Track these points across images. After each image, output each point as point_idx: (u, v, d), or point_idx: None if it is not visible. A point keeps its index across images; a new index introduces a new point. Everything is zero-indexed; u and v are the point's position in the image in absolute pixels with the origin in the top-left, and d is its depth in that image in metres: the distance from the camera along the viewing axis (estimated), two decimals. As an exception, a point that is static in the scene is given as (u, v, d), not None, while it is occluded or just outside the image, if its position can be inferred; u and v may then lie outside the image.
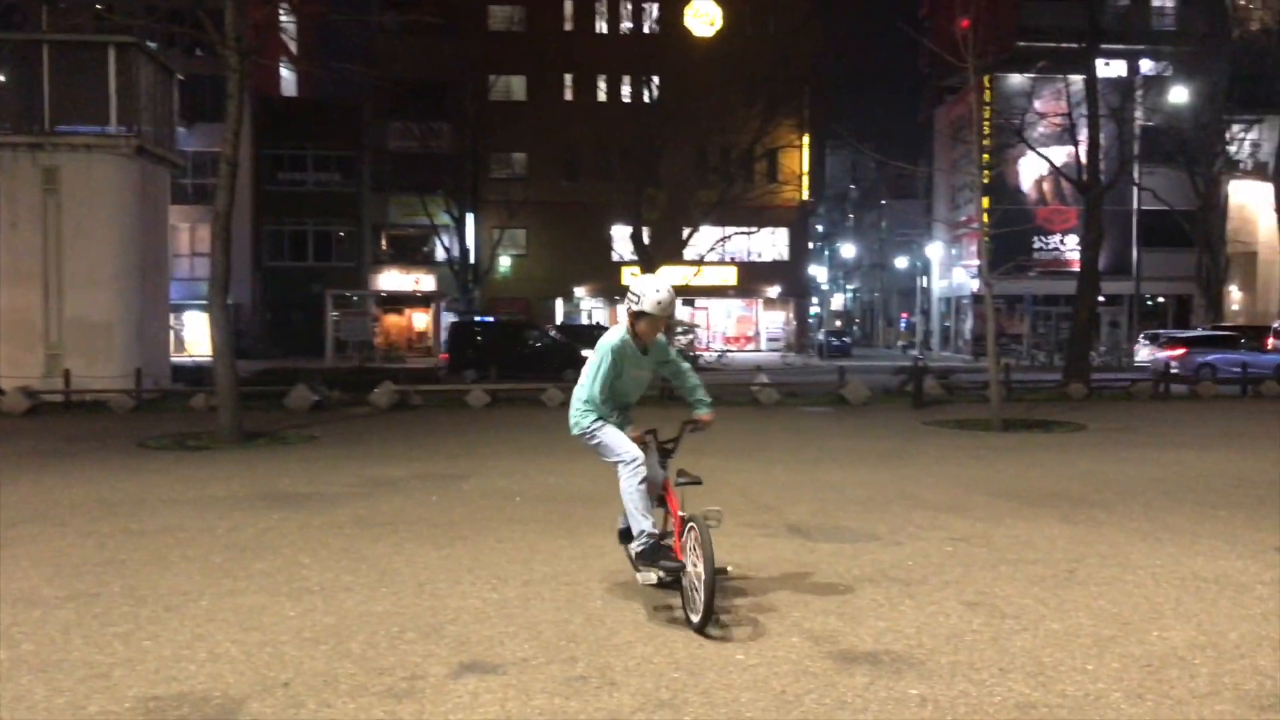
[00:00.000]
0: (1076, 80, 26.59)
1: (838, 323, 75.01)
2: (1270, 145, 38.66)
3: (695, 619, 5.15)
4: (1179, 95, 33.14)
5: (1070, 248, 40.62)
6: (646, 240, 34.34)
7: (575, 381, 5.77)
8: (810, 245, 58.94)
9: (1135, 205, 40.40)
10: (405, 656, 4.90)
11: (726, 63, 37.63)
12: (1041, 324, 43.23)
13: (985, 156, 32.93)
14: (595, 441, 5.61)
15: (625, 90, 43.49)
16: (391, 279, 45.34)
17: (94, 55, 20.17)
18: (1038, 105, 30.37)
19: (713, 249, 37.50)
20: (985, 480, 10.37)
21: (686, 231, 35.25)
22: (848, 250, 75.26)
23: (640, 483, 5.46)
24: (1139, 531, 7.74)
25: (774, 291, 48.45)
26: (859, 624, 5.38)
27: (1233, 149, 37.25)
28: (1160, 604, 5.77)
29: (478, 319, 34.89)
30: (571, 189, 44.80)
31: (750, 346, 48.42)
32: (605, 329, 5.77)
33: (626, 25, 44.58)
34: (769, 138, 37.08)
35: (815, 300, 69.99)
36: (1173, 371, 23.79)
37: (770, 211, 41.56)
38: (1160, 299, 43.29)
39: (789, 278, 48.53)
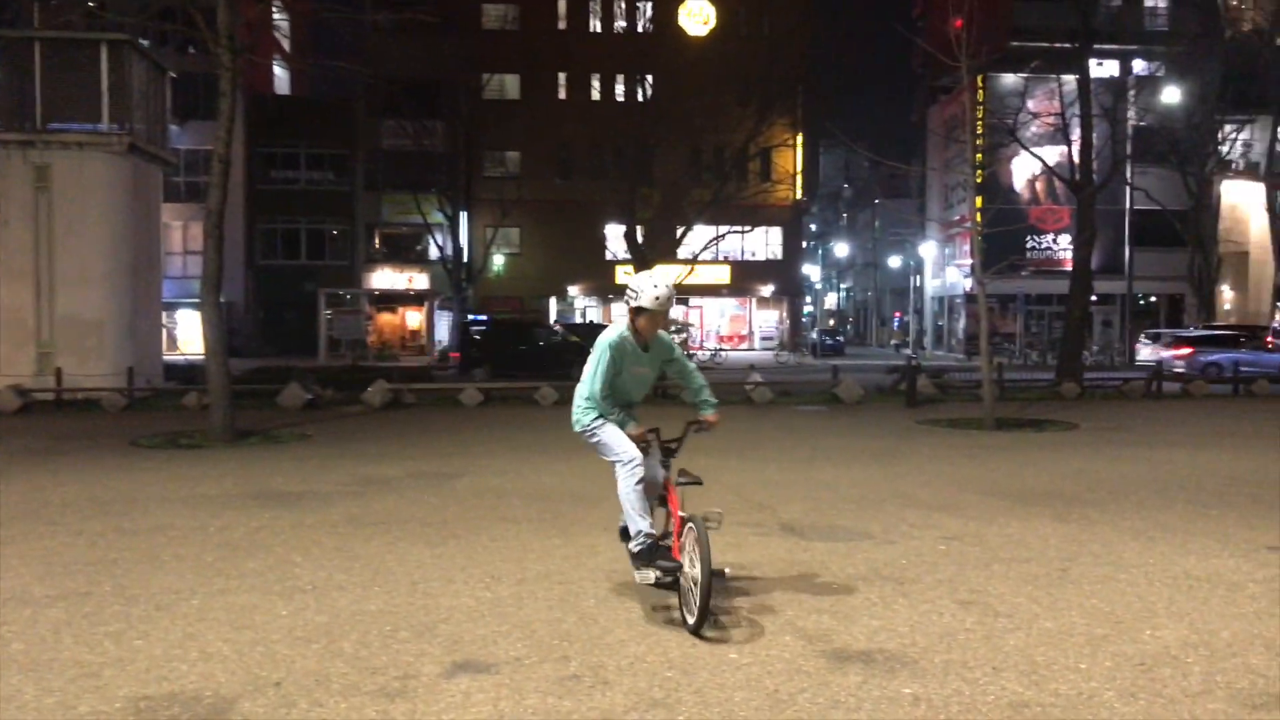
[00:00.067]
0: (1069, 80, 26.65)
1: (831, 322, 75.18)
2: (1262, 145, 38.76)
3: (691, 620, 5.14)
4: (1171, 95, 33.24)
5: (1063, 247, 40.70)
6: (640, 239, 34.34)
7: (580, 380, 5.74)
8: (804, 244, 58.96)
9: (1128, 205, 40.48)
10: (398, 656, 4.89)
11: (720, 62, 37.67)
12: (1034, 323, 43.32)
13: (978, 156, 33.14)
14: (595, 440, 5.59)
15: (619, 89, 43.50)
16: (385, 277, 45.28)
17: (86, 53, 20.09)
18: (1031, 105, 30.40)
19: (706, 248, 37.49)
20: (978, 479, 10.38)
21: (680, 230, 35.26)
22: (841, 249, 75.31)
23: (637, 483, 5.43)
24: (1132, 530, 7.75)
25: (767, 290, 48.51)
26: (852, 623, 5.38)
27: (1225, 149, 37.37)
28: (1153, 603, 5.78)
29: (488, 318, 34.86)
30: (565, 188, 44.79)
31: (744, 345, 48.46)
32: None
33: (620, 24, 44.57)
34: (763, 137, 37.07)
35: (809, 299, 70.08)
36: (1178, 371, 23.83)
37: (764, 210, 41.62)
38: (1152, 298, 43.39)
39: (782, 277, 48.58)
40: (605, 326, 6.06)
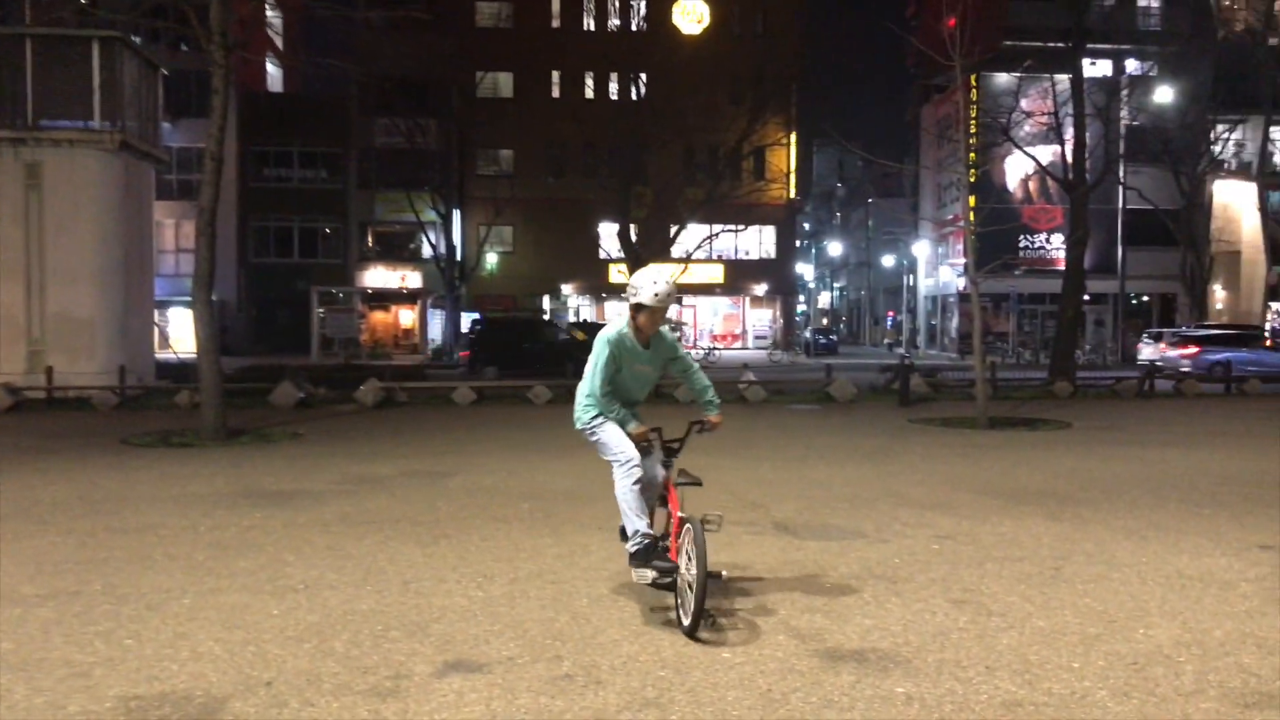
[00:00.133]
0: (1062, 79, 26.66)
1: (824, 321, 75.21)
2: (1254, 145, 38.84)
3: (686, 622, 5.11)
4: (1164, 95, 33.29)
5: (1056, 246, 40.75)
6: (634, 238, 34.31)
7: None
8: (797, 243, 58.99)
9: (1120, 204, 40.57)
10: (390, 655, 4.87)
11: (714, 60, 37.67)
12: (1027, 322, 43.36)
13: (972, 155, 33.12)
14: (595, 438, 5.56)
15: (613, 87, 43.40)
16: (378, 276, 45.18)
17: (78, 49, 20.01)
18: (1024, 104, 30.43)
19: (700, 247, 37.50)
20: (971, 478, 10.38)
21: (674, 229, 35.23)
22: (834, 248, 75.33)
23: (634, 484, 5.39)
24: (1124, 529, 7.76)
25: (761, 289, 48.52)
26: (845, 622, 5.37)
27: (1217, 149, 37.43)
28: (1146, 602, 5.78)
29: (497, 317, 34.82)
30: (558, 186, 44.74)
31: (737, 344, 48.48)
32: None
33: (614, 22, 44.50)
34: (756, 136, 37.05)
35: (802, 298, 70.08)
36: (1184, 370, 23.84)
37: (757, 209, 41.61)
38: (1145, 298, 43.48)
39: (776, 276, 48.59)
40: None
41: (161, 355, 25.16)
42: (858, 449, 12.86)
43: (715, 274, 46.89)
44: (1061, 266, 30.61)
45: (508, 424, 16.04)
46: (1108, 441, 13.59)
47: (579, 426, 5.61)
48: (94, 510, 8.60)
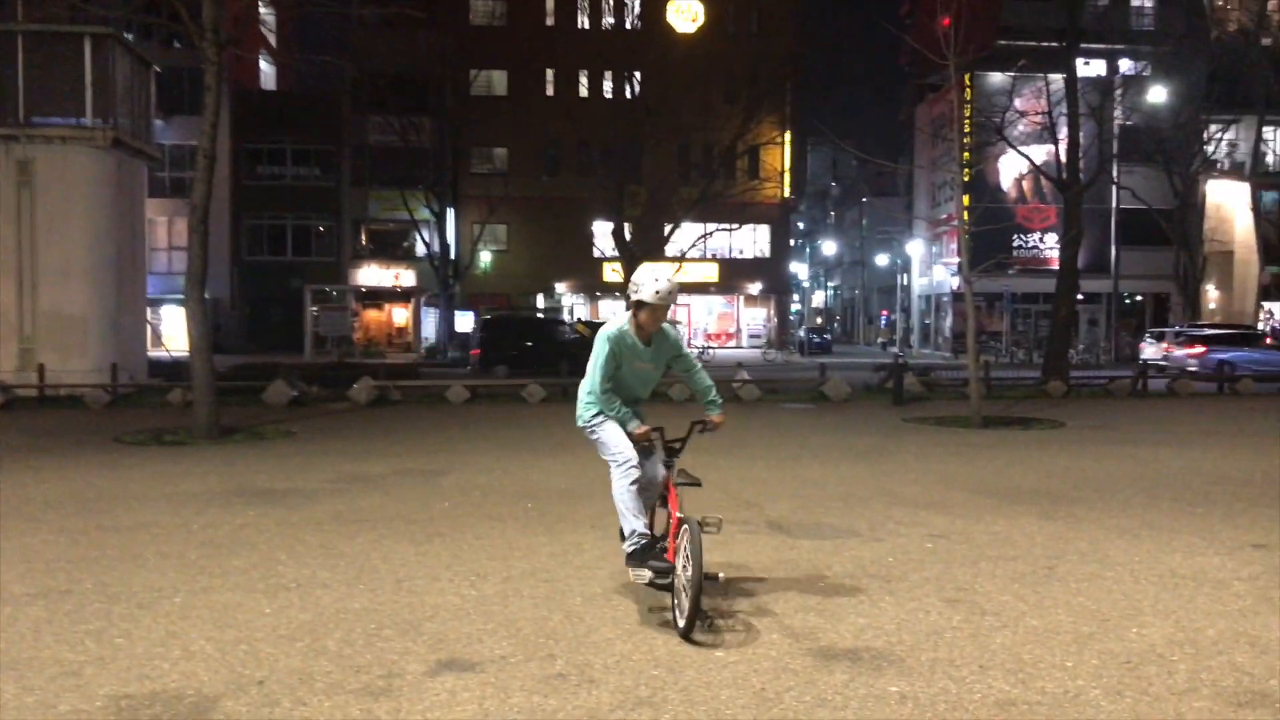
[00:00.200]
0: (1056, 79, 26.72)
1: (818, 320, 75.31)
2: (1247, 145, 38.96)
3: (680, 624, 5.07)
4: (1158, 95, 33.38)
5: (1049, 246, 40.84)
6: (628, 236, 34.33)
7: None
8: (791, 242, 59.05)
9: (1114, 204, 40.65)
10: (382, 654, 4.86)
11: (708, 59, 37.69)
12: (1021, 321, 43.45)
13: (966, 154, 33.21)
14: (595, 437, 5.53)
15: (607, 86, 43.42)
16: (371, 274, 45.13)
17: (69, 46, 19.94)
18: (1018, 103, 30.52)
19: (694, 245, 37.52)
20: (965, 477, 10.39)
21: (668, 228, 35.26)
22: (829, 247, 75.43)
23: (631, 484, 5.36)
24: (1118, 528, 7.77)
25: (755, 288, 48.54)
26: (839, 621, 5.37)
27: (1210, 149, 37.53)
28: (1139, 601, 5.78)
29: (507, 315, 34.81)
30: (553, 184, 44.72)
31: (731, 343, 48.49)
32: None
33: (608, 21, 44.49)
34: (750, 134, 37.11)
35: (796, 297, 70.20)
36: (1191, 369, 23.88)
37: (752, 208, 41.63)
38: (1138, 297, 43.59)
39: (770, 274, 48.62)
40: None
41: (154, 353, 25.10)
42: (851, 448, 12.87)
43: (710, 273, 46.91)
44: (1055, 266, 30.70)
45: (501, 422, 16.02)
46: (1101, 441, 13.61)
47: (580, 424, 5.59)
48: (86, 508, 8.56)
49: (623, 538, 5.58)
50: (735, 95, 37.69)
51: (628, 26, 43.17)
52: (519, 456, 11.92)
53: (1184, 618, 5.46)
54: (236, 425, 14.66)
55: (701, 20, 44.24)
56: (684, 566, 5.09)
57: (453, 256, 42.49)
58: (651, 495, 5.57)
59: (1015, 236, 41.03)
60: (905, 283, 53.07)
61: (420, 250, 42.89)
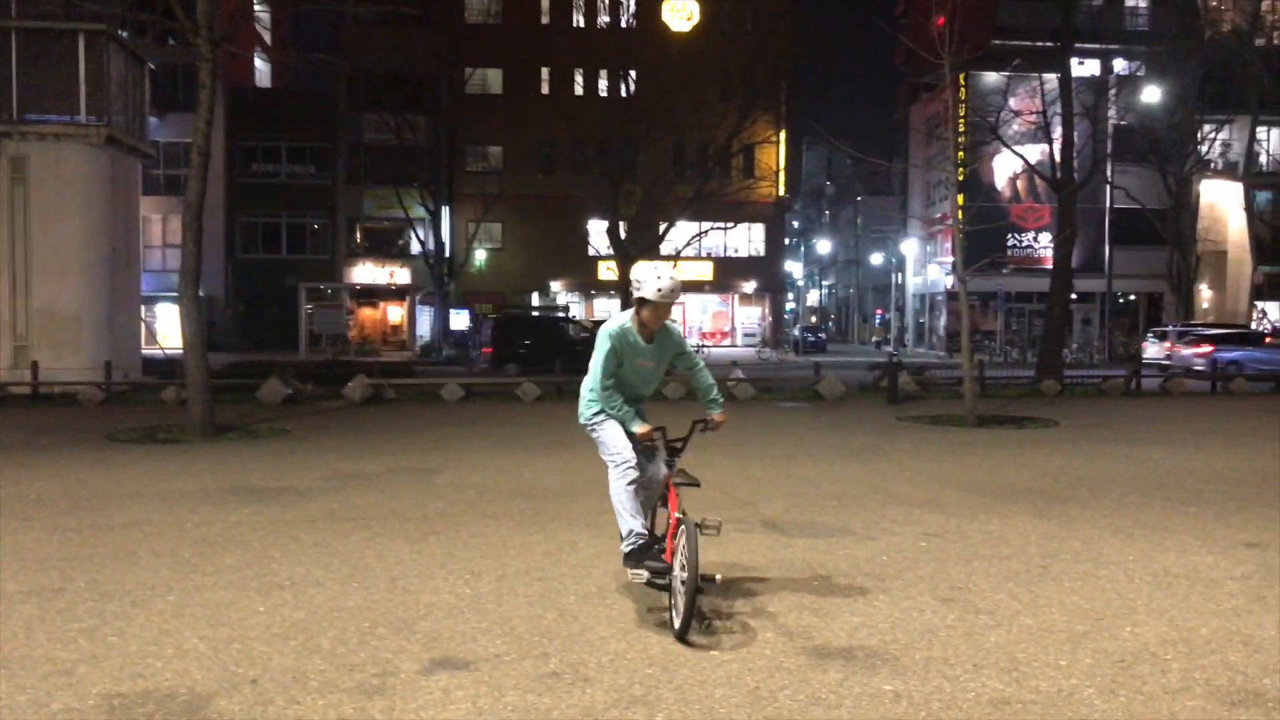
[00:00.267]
0: (1051, 79, 26.76)
1: (813, 319, 75.32)
2: (1240, 145, 39.08)
3: (676, 625, 5.05)
4: (1151, 95, 33.42)
5: (1044, 245, 40.89)
6: (623, 235, 34.30)
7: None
8: (786, 241, 59.04)
9: (1108, 203, 40.73)
10: (376, 652, 4.85)
11: (703, 58, 37.65)
12: (1015, 321, 43.51)
13: (960, 153, 33.22)
14: (595, 435, 5.52)
15: (602, 84, 43.38)
16: (366, 272, 45.06)
17: (63, 43, 19.89)
18: (1012, 103, 30.51)
19: (689, 244, 37.50)
20: (959, 476, 10.40)
21: (663, 226, 35.25)
22: (823, 246, 75.43)
23: (629, 484, 5.35)
24: (1111, 527, 7.78)
25: (750, 287, 48.55)
26: (833, 620, 5.37)
27: (1204, 149, 37.61)
28: (1132, 599, 5.79)
29: (519, 314, 34.92)
30: (548, 183, 44.67)
31: (726, 342, 48.48)
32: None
33: (604, 19, 44.46)
34: (746, 133, 37.09)
35: (791, 296, 70.15)
36: (1197, 369, 23.90)
37: (747, 207, 41.60)
38: (1131, 297, 43.68)
39: (765, 273, 48.62)
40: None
41: (148, 351, 25.04)
42: (846, 447, 12.88)
43: (704, 271, 46.90)
44: (1049, 265, 30.71)
45: (496, 421, 16.00)
46: (1095, 440, 13.64)
47: (581, 421, 5.58)
48: (79, 506, 8.54)
49: (622, 537, 5.57)
50: (730, 94, 37.69)
51: (623, 25, 43.13)
52: (514, 455, 11.91)
53: (1177, 616, 5.47)
54: (231, 423, 14.63)
55: (697, 19, 44.22)
56: (681, 567, 5.07)
57: (447, 255, 42.44)
58: (652, 495, 5.56)
59: (1009, 236, 41.07)
60: (900, 281, 53.10)
61: (415, 248, 42.85)
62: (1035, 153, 30.25)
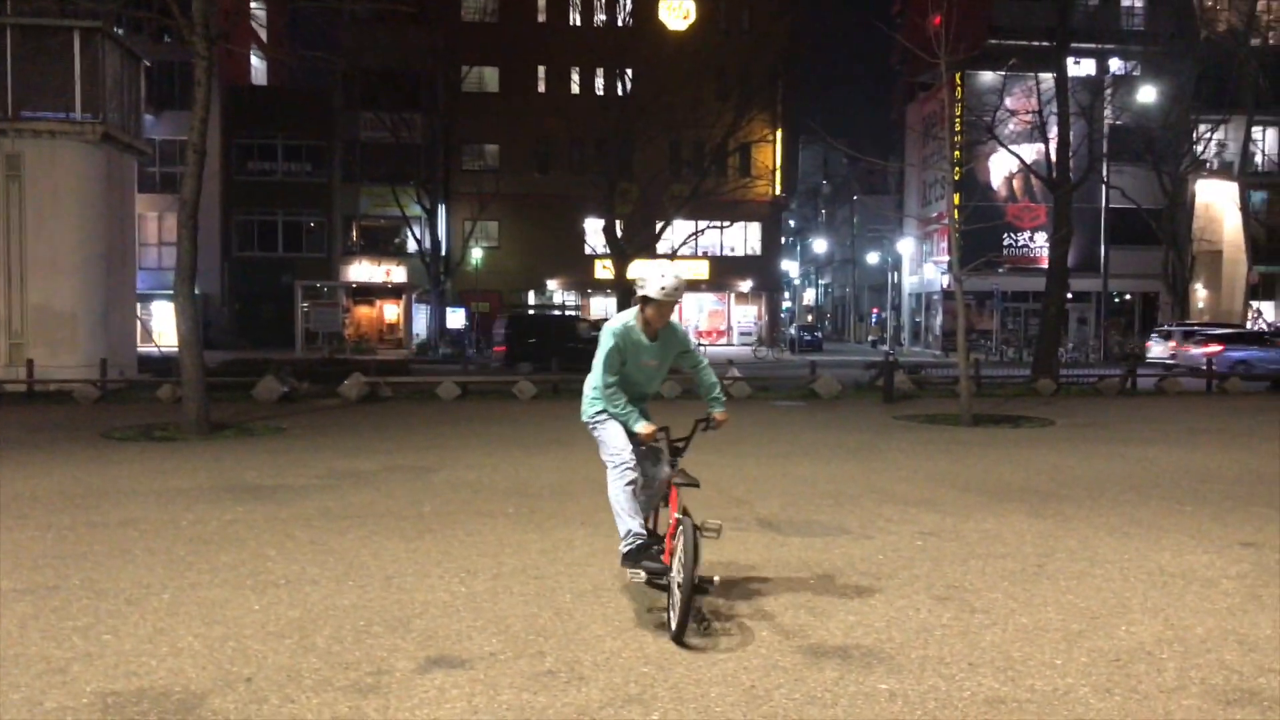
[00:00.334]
0: (1047, 78, 26.77)
1: (809, 317, 75.31)
2: (1236, 145, 39.12)
3: (672, 626, 5.01)
4: (1147, 94, 33.47)
5: (1039, 244, 40.95)
6: (619, 233, 34.30)
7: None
8: (782, 240, 59.07)
9: (1103, 203, 40.79)
10: (371, 651, 4.84)
11: (700, 56, 37.67)
12: (1011, 320, 43.55)
13: (956, 153, 33.23)
14: (596, 434, 5.51)
15: (599, 83, 43.35)
16: (362, 270, 45.03)
17: (59, 40, 19.83)
18: (1008, 102, 30.53)
19: (685, 243, 37.50)
20: (955, 475, 10.41)
21: (659, 225, 35.24)
22: (819, 245, 75.48)
23: (627, 484, 5.33)
24: (1107, 526, 7.79)
25: (746, 286, 48.57)
26: (829, 618, 5.37)
27: (1199, 148, 37.67)
28: (1128, 599, 5.80)
29: (531, 314, 35.12)
30: (544, 181, 44.66)
31: (722, 340, 48.51)
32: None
33: (600, 18, 44.43)
34: (742, 132, 37.10)
35: (787, 295, 70.18)
36: (1205, 369, 23.91)
37: (743, 206, 41.63)
38: (1127, 296, 43.74)
39: (761, 272, 48.64)
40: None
41: (144, 349, 25.01)
42: (842, 445, 12.88)
43: (700, 270, 46.90)
44: (1045, 265, 30.74)
45: (492, 419, 15.99)
46: (1090, 439, 13.65)
47: (584, 419, 5.57)
48: (74, 504, 8.52)
49: (621, 537, 5.56)
50: (727, 93, 37.67)
51: (620, 24, 43.11)
52: (510, 453, 11.90)
53: (1173, 615, 5.48)
54: (226, 421, 14.62)
55: (693, 18, 44.19)
56: (679, 568, 5.05)
57: (444, 253, 42.41)
58: (654, 495, 5.54)
59: (1005, 235, 41.12)
60: (896, 281, 53.15)
61: (411, 246, 42.83)
62: (1031, 152, 30.30)
